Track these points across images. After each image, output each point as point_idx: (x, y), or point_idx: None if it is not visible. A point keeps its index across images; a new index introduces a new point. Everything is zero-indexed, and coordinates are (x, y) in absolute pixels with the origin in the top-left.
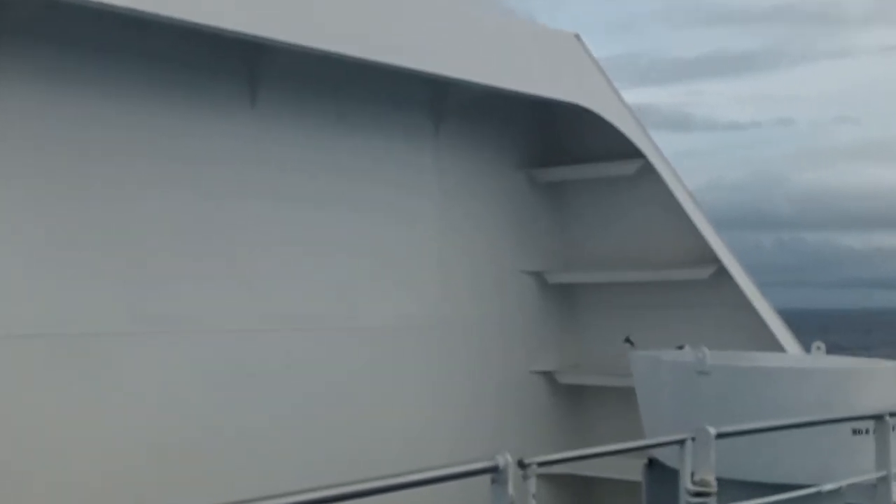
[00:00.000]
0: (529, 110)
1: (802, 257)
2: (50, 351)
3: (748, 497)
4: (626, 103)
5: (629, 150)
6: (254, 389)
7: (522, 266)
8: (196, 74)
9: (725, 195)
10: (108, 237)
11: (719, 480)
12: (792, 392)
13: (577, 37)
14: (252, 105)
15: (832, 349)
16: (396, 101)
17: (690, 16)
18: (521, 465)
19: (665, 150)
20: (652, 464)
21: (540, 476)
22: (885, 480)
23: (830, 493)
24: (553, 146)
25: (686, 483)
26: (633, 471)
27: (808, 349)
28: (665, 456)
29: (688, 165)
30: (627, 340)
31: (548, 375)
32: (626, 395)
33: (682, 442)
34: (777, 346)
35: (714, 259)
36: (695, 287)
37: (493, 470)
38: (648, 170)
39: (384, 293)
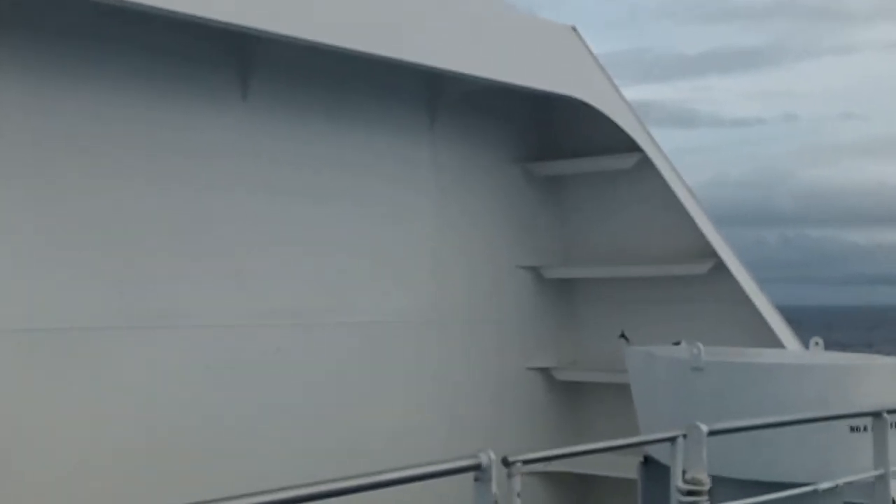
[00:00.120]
0: (526, 104)
1: (806, 253)
2: (43, 346)
3: (745, 495)
4: (624, 96)
5: (627, 144)
6: (247, 385)
7: (519, 261)
8: (186, 66)
9: (730, 191)
10: (98, 231)
11: (715, 479)
12: (788, 389)
13: (574, 29)
14: (244, 98)
15: (834, 346)
16: (391, 94)
17: (694, 12)
18: (506, 462)
19: (670, 147)
20: (647, 462)
21: (537, 474)
22: (883, 478)
23: (828, 491)
24: (550, 140)
25: (677, 481)
26: (631, 469)
27: (807, 345)
28: (660, 454)
29: (693, 161)
30: (622, 336)
31: (545, 372)
32: (624, 392)
33: (672, 439)
34: (776, 342)
35: (712, 254)
36: (693, 282)
37: (476, 468)
38: (646, 164)
39: (379, 288)
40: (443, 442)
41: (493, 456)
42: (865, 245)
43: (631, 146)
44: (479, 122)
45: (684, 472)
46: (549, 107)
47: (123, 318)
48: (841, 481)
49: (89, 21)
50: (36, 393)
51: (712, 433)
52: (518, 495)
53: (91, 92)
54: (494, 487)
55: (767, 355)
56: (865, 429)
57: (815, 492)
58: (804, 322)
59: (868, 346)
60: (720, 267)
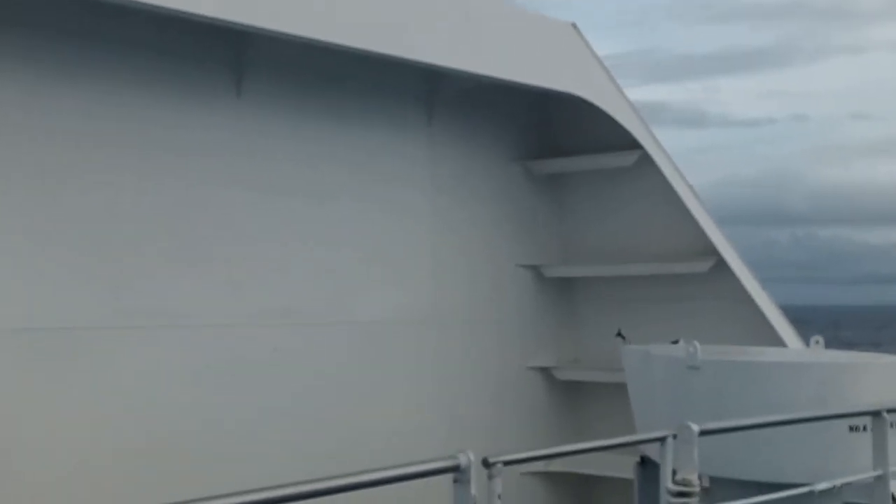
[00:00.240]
0: (525, 101)
1: (817, 253)
2: (35, 345)
3: (743, 496)
4: (624, 93)
5: (627, 142)
6: (244, 384)
7: (519, 260)
8: (181, 64)
9: (740, 191)
10: (92, 229)
11: (713, 479)
12: (786, 387)
13: (574, 26)
14: (238, 95)
15: (841, 345)
16: (388, 91)
17: (702, 12)
18: (486, 464)
19: (680, 147)
20: (644, 462)
21: (536, 474)
22: (882, 479)
23: (827, 491)
24: (549, 137)
25: (667, 482)
26: (629, 468)
27: (809, 344)
28: (655, 453)
29: (703, 162)
30: (619, 335)
31: (545, 371)
32: (625, 392)
33: (662, 439)
34: (778, 341)
35: (714, 252)
36: (694, 280)
37: (455, 469)
38: (647, 161)
39: (377, 287)
40: (443, 442)
41: (472, 457)
42: (877, 245)
43: (631, 143)
44: (477, 120)
45: (674, 473)
46: (549, 104)
47: (121, 317)
48: (840, 481)
49: (81, 19)
50: (34, 393)
51: (704, 433)
52: (499, 497)
53: (83, 89)
54: (474, 489)
55: (766, 354)
56: (865, 428)
57: (813, 492)
58: (813, 322)
59: (876, 346)
60: (721, 265)
